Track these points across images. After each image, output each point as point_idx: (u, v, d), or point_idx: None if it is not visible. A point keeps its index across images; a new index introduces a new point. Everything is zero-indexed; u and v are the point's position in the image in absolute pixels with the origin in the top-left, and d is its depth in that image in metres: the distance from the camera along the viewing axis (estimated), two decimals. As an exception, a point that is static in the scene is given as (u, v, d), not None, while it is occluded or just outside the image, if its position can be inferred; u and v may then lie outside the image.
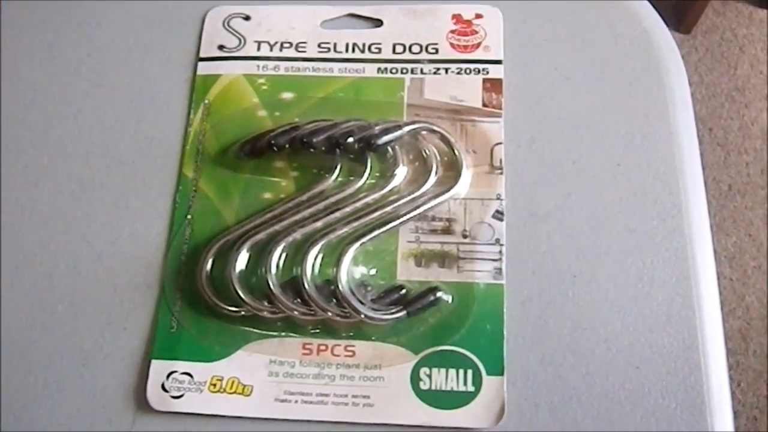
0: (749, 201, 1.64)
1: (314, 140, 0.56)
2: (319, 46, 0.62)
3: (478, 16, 0.63)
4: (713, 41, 1.75)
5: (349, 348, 0.53)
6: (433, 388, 0.52)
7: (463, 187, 0.57)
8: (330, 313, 0.52)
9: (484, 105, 0.59)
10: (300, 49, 0.62)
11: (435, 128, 0.57)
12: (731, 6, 1.79)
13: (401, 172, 0.57)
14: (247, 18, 0.64)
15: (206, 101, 0.61)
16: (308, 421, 0.52)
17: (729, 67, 1.74)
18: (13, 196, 0.59)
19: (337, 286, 0.53)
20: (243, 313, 0.54)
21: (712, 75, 1.70)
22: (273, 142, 0.56)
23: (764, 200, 1.63)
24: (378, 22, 0.63)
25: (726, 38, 1.76)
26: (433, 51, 0.62)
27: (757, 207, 1.63)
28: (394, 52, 0.62)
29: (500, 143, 0.58)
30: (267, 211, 0.56)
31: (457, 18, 0.62)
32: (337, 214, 0.55)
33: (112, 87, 0.62)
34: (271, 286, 0.53)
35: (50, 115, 0.62)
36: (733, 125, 1.70)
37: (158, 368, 0.53)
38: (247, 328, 0.54)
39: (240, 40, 0.63)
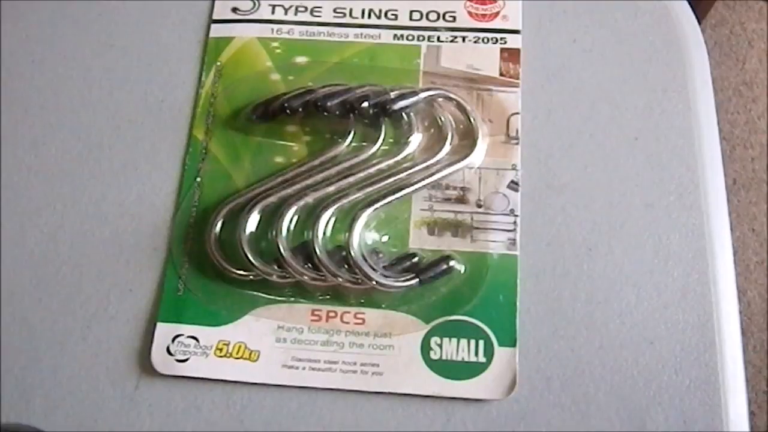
0: (753, 196, 1.63)
1: (328, 104, 0.55)
2: (334, 11, 0.62)
3: (497, -16, 0.62)
4: (722, 35, 1.74)
5: (359, 315, 0.52)
6: (444, 358, 0.51)
7: (478, 156, 0.56)
8: (341, 279, 0.52)
9: (501, 74, 0.58)
10: (315, 14, 0.61)
11: (451, 96, 0.57)
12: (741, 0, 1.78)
13: (416, 139, 0.56)
14: (261, -19, 0.63)
15: (218, 63, 0.60)
16: (316, 388, 0.51)
17: (737, 61, 1.73)
18: (20, 156, 0.58)
19: (349, 252, 0.52)
20: (251, 277, 0.53)
21: (720, 69, 1.69)
22: (286, 105, 0.55)
23: (768, 195, 1.62)
24: (395, -11, 0.62)
25: (735, 32, 1.75)
26: (451, 19, 0.61)
27: (761, 202, 1.62)
28: (410, 18, 0.61)
29: (517, 113, 0.57)
30: (278, 175, 0.55)
31: (475, -14, 0.62)
32: (350, 179, 0.54)
33: (123, 47, 0.62)
34: (282, 250, 0.52)
35: (60, 74, 0.61)
36: (740, 120, 1.69)
37: (163, 331, 0.52)
38: (255, 293, 0.53)
39: (254, 3, 0.62)
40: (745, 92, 1.71)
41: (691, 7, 0.62)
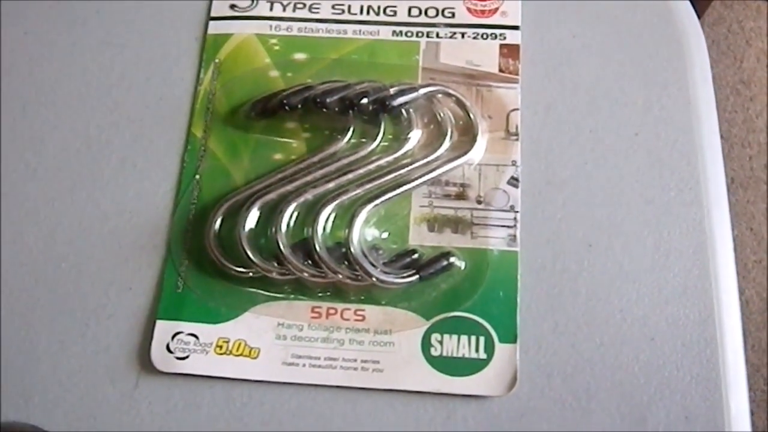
0: (751, 195, 1.63)
1: (328, 100, 0.54)
2: (333, 7, 0.61)
3: (496, -19, 0.62)
4: (720, 33, 1.74)
5: (359, 312, 0.52)
6: (445, 354, 0.51)
7: (477, 152, 0.56)
8: (341, 276, 0.51)
9: (501, 70, 0.58)
10: (314, 10, 0.61)
11: (451, 92, 0.56)
12: (739, -2, 1.78)
13: (415, 136, 0.56)
14: (259, -22, 0.63)
15: (217, 60, 0.60)
16: (316, 385, 0.51)
17: (735, 59, 1.73)
18: (19, 154, 0.58)
19: (349, 248, 0.52)
20: (251, 274, 0.53)
21: (718, 67, 1.69)
22: (285, 101, 0.55)
23: (766, 194, 1.62)
24: (393, -15, 0.62)
25: (733, 30, 1.75)
26: (450, 15, 0.61)
27: (759, 201, 1.62)
28: (409, 14, 0.61)
29: (516, 109, 0.57)
30: (278, 172, 0.55)
31: (474, -18, 0.62)
32: (350, 176, 0.54)
33: (121, 45, 0.61)
34: (281, 247, 0.52)
35: (58, 72, 0.61)
36: (738, 118, 1.69)
37: (163, 329, 0.52)
38: (254, 290, 0.53)
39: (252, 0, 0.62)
40: (742, 91, 1.71)
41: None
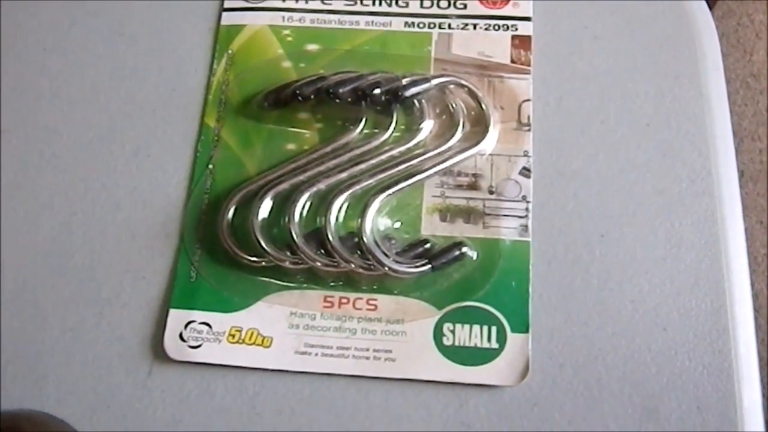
0: (761, 188, 1.63)
1: (340, 91, 0.55)
2: (345, -2, 0.62)
3: (508, -28, 0.62)
4: (729, 27, 1.73)
5: (371, 301, 0.52)
6: (457, 344, 0.51)
7: (489, 143, 0.56)
8: (353, 265, 0.52)
9: (513, 61, 0.58)
10: (326, 1, 0.62)
11: (463, 82, 0.57)
12: (749, -8, 1.77)
13: (427, 126, 0.56)
14: (272, -31, 0.63)
15: (230, 51, 0.60)
16: (328, 374, 0.51)
17: (745, 53, 1.72)
18: (33, 145, 0.58)
19: (362, 238, 0.52)
20: (264, 263, 0.53)
21: (728, 60, 1.69)
22: (298, 91, 0.55)
23: (776, 188, 1.62)
24: (405, -24, 0.62)
25: (743, 24, 1.74)
26: (462, 6, 0.61)
27: (770, 194, 1.62)
28: (421, 6, 0.61)
29: (528, 100, 0.57)
30: (290, 162, 0.55)
31: (486, -27, 0.62)
32: (362, 166, 0.54)
33: (134, 35, 0.62)
34: (294, 236, 0.52)
35: (72, 63, 0.61)
36: (748, 111, 1.68)
37: (176, 317, 0.52)
38: (267, 279, 0.53)
39: (265, -9, 0.62)
40: (752, 84, 1.70)
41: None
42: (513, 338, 0.51)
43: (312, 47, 0.60)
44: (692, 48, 0.59)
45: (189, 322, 0.52)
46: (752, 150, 1.65)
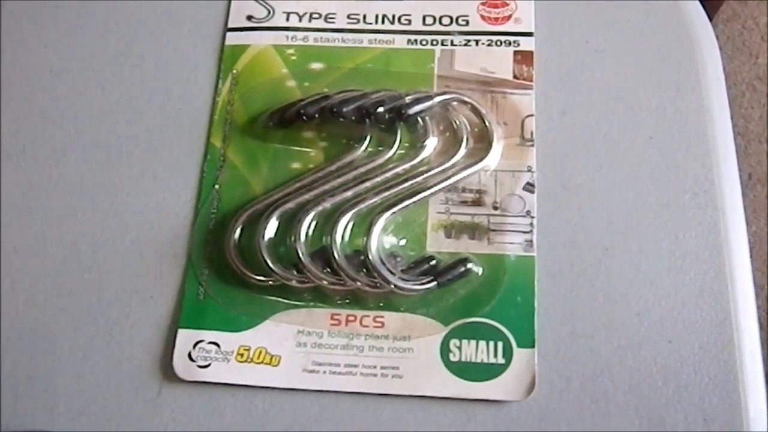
0: (769, 191, 1.63)
1: (344, 110, 0.55)
2: (348, 17, 0.62)
3: (509, -12, 0.62)
4: (735, 30, 1.73)
5: (378, 319, 0.53)
6: (463, 360, 0.51)
7: (493, 158, 0.56)
8: (359, 283, 0.52)
9: (515, 77, 0.59)
10: (329, 20, 0.62)
11: (466, 99, 0.57)
12: (754, -6, 1.77)
13: (431, 143, 0.56)
14: (275, -11, 0.64)
15: (234, 71, 0.60)
16: (336, 392, 0.52)
17: (750, 56, 1.72)
18: (40, 165, 0.59)
19: (367, 256, 0.52)
20: (271, 282, 0.53)
21: (734, 64, 1.69)
22: (303, 111, 0.56)
23: (784, 190, 1.61)
24: (408, -6, 0.63)
25: (748, 27, 1.74)
26: (464, 23, 0.61)
27: (777, 197, 1.61)
28: (424, 23, 0.61)
29: (531, 115, 0.57)
30: (296, 181, 0.56)
31: (487, -10, 0.62)
32: (367, 184, 0.55)
33: (139, 57, 0.62)
34: (300, 255, 0.52)
35: (78, 84, 0.61)
36: (754, 114, 1.68)
37: (185, 337, 0.53)
38: (274, 298, 0.54)
39: (269, 10, 0.62)
40: (759, 87, 1.70)
41: (703, 2, 0.62)
42: (519, 353, 0.51)
43: (316, 66, 0.60)
44: (693, 60, 0.59)
45: (197, 342, 0.52)
46: (759, 152, 1.64)
